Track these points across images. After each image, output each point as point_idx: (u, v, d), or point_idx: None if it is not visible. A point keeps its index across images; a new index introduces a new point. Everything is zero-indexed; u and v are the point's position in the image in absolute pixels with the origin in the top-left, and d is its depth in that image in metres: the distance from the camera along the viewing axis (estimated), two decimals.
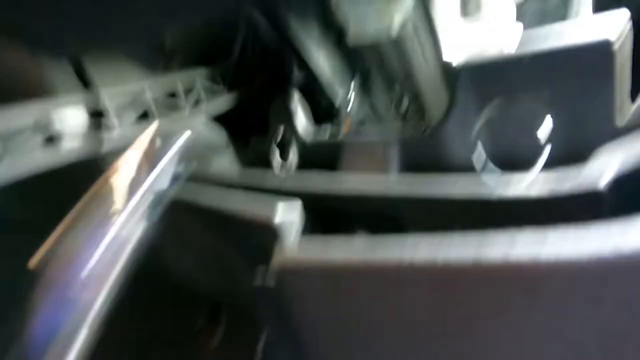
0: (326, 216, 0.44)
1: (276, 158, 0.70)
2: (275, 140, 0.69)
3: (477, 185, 0.38)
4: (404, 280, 0.29)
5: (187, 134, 0.45)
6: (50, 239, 0.37)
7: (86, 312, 0.32)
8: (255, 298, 0.42)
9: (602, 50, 0.36)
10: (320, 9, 0.59)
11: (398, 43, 0.50)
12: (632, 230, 0.24)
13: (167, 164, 0.42)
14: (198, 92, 0.65)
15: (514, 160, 0.41)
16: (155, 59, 0.65)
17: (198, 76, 0.66)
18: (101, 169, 0.55)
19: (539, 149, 0.40)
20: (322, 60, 0.65)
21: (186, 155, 0.44)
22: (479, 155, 0.44)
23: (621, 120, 0.38)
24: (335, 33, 0.63)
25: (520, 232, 0.27)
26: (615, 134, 0.37)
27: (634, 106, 0.39)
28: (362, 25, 0.47)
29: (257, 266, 0.45)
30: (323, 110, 0.75)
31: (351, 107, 0.74)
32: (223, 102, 0.70)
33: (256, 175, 0.54)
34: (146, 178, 0.40)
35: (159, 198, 0.41)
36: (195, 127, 0.70)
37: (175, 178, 0.43)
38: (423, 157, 0.50)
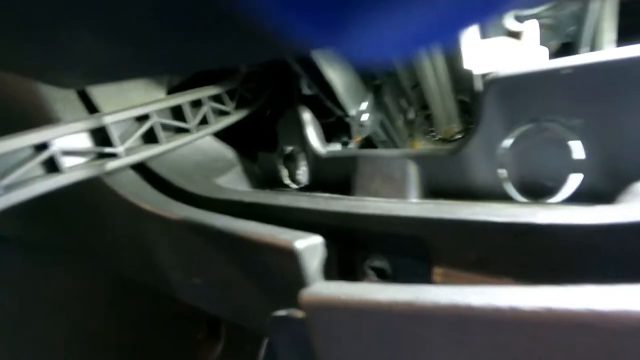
0: (343, 238, 0.42)
1: (286, 173, 0.67)
2: (286, 155, 0.67)
3: (513, 210, 0.36)
4: (458, 328, 0.25)
5: None
6: None
7: None
8: (268, 325, 0.40)
9: None
10: None
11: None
12: None
13: None
14: (204, 112, 0.63)
15: (542, 186, 0.39)
16: (160, 79, 0.63)
17: (204, 96, 0.63)
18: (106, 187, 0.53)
19: (570, 175, 0.37)
20: (335, 75, 0.63)
21: None
22: (503, 177, 0.42)
23: None
24: None
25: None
26: None
27: None
28: None
29: (275, 294, 0.43)
30: (331, 124, 0.73)
31: (364, 120, 0.72)
32: (230, 120, 0.68)
33: (268, 197, 0.51)
34: None
35: None
36: (202, 147, 0.68)
37: None
38: (443, 174, 0.48)
